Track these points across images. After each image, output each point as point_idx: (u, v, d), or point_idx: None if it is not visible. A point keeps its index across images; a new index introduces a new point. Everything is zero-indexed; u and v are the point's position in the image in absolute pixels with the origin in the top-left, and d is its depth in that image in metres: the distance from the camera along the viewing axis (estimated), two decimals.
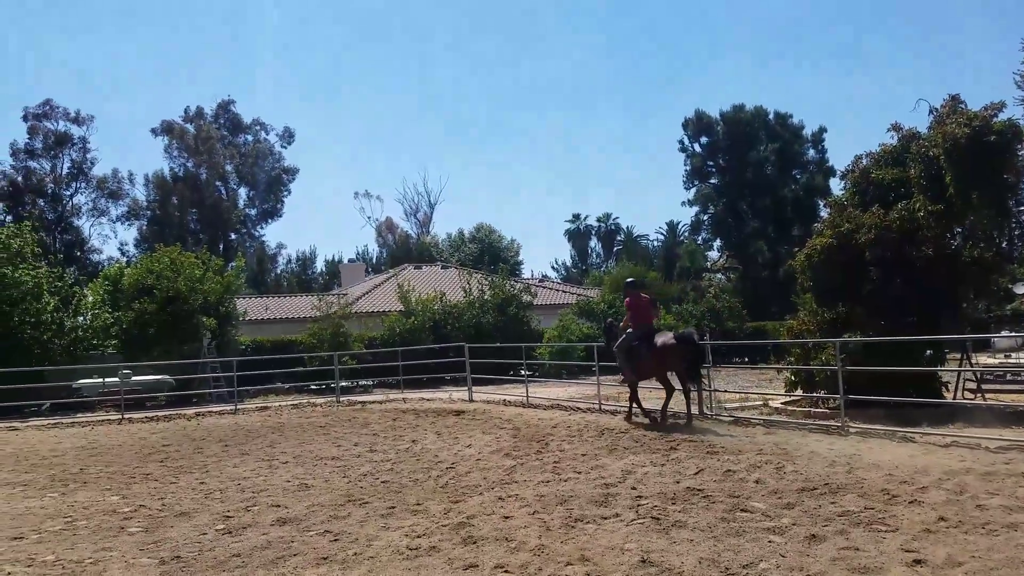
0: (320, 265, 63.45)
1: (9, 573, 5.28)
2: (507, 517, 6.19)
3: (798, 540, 5.20)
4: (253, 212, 62.15)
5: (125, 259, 51.33)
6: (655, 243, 69.67)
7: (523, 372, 18.76)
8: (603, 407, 13.64)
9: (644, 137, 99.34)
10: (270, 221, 63.14)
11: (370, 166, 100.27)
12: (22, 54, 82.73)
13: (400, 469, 8.73)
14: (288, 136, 63.03)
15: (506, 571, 4.87)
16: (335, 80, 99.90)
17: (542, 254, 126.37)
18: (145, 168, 77.14)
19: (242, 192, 61.93)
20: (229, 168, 60.25)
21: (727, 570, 4.71)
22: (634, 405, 11.73)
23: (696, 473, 7.64)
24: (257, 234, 62.57)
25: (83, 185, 56.30)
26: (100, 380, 20.27)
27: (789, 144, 53.19)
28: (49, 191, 54.86)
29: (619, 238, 73.45)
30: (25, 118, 54.08)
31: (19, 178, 53.57)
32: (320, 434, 12.48)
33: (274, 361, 22.04)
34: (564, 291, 38.30)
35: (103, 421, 16.60)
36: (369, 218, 71.43)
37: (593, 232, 75.12)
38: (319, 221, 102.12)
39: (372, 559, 5.27)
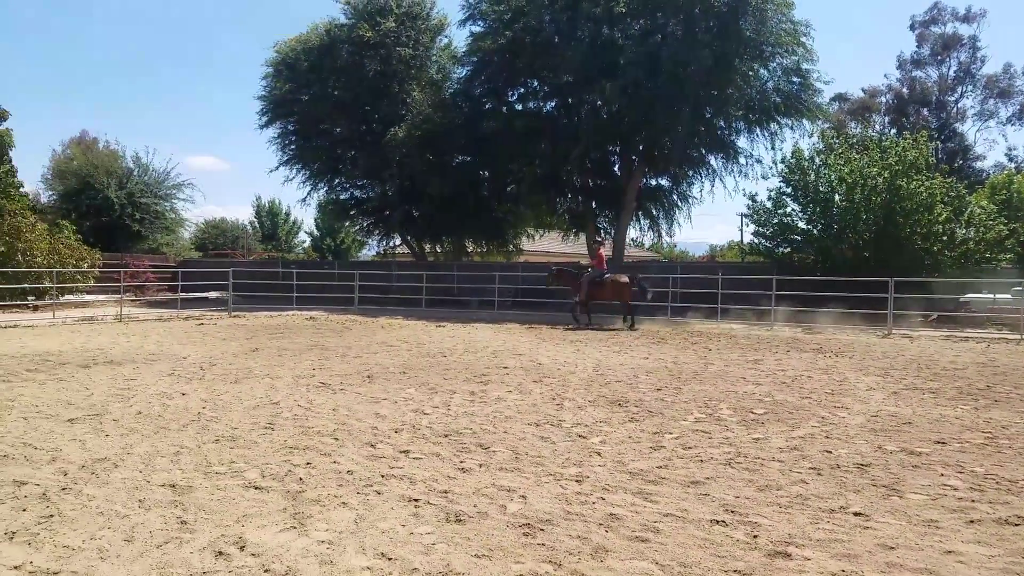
0: None
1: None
2: None
3: None
4: None
5: (1013, 165, 48.57)
6: None
7: None
8: None
9: None
10: None
11: None
12: None
13: None
14: None
15: None
16: None
17: None
18: None
19: None
20: None
21: None
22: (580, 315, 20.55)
23: None
24: None
25: (969, 88, 55.40)
26: (990, 295, 20.02)
27: None
28: (933, 99, 56.02)
29: None
30: (912, 27, 56.27)
31: (904, 89, 56.50)
32: None
33: None
34: None
35: (999, 339, 16.38)
36: None
37: None
38: None
39: None
